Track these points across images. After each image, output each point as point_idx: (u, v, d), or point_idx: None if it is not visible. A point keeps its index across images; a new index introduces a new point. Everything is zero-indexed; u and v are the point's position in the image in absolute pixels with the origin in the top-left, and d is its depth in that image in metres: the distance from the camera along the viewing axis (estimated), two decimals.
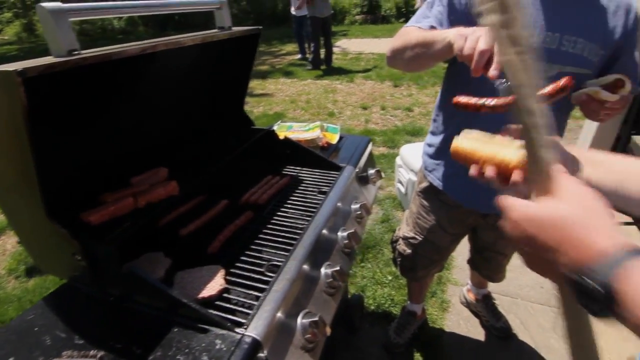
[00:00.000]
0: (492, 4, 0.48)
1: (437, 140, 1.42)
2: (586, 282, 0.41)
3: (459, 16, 1.13)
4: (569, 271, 0.43)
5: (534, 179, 0.51)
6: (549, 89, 0.78)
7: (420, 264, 1.65)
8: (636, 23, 1.11)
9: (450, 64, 1.34)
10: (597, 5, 1.09)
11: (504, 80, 0.69)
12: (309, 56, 8.05)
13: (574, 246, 0.43)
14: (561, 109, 1.21)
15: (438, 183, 1.42)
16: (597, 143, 2.60)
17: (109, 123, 1.04)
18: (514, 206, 0.50)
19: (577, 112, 1.19)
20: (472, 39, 0.85)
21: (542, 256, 0.46)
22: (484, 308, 2.04)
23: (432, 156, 1.44)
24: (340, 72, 7.46)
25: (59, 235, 0.75)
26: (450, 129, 1.33)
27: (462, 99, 0.85)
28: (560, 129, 1.31)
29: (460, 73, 1.21)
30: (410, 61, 1.17)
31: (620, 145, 2.55)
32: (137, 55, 0.78)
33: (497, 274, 1.83)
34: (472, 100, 0.85)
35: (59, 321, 0.78)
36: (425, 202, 1.53)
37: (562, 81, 0.69)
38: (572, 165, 0.65)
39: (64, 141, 0.90)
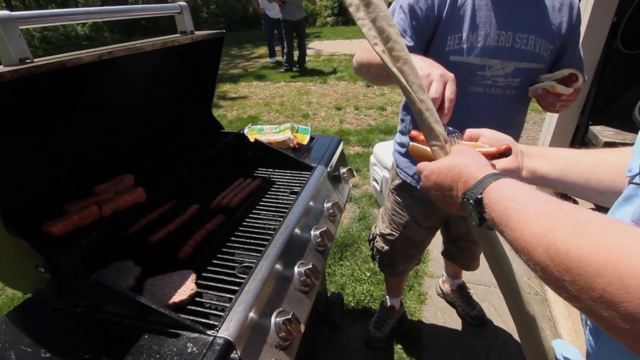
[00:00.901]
0: (377, 40, 0.66)
1: (406, 139, 1.45)
2: (468, 201, 0.57)
3: (421, 22, 1.15)
4: (460, 198, 0.60)
5: (434, 146, 0.70)
6: (491, 150, 0.77)
7: (399, 259, 1.69)
8: (579, 18, 1.20)
9: None
10: (542, 4, 1.16)
11: (452, 129, 0.73)
12: (280, 59, 8.04)
13: (461, 181, 0.60)
14: (519, 101, 1.27)
15: (411, 180, 1.46)
16: (558, 133, 2.72)
17: (70, 131, 1.01)
18: (425, 166, 0.70)
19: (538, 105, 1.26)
20: (425, 84, 0.87)
21: (447, 194, 0.64)
22: (460, 298, 2.11)
23: (403, 154, 1.48)
24: (313, 73, 7.50)
25: (20, 248, 0.73)
26: (418, 127, 1.37)
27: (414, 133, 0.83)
28: (520, 118, 1.37)
29: None
30: (374, 78, 1.17)
31: (579, 135, 2.68)
32: (95, 62, 0.77)
33: (472, 262, 1.90)
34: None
35: (24, 336, 0.76)
36: (399, 199, 1.57)
37: (503, 147, 0.69)
38: (520, 157, 0.75)
39: (22, 150, 0.88)
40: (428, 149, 0.72)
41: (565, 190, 0.73)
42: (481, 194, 0.55)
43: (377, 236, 1.72)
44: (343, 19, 14.52)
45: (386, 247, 1.68)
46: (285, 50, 7.64)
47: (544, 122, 3.22)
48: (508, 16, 1.13)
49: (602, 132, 2.56)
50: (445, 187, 0.64)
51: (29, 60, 0.69)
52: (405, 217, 1.56)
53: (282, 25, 7.31)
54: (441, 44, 1.18)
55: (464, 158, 0.63)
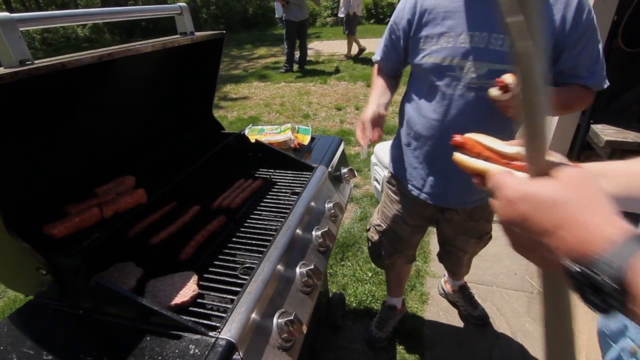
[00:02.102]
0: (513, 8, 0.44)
1: (400, 133, 1.49)
2: (594, 274, 0.35)
3: (394, 40, 1.35)
4: (569, 260, 0.38)
5: (531, 157, 0.46)
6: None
7: (385, 251, 1.70)
8: (580, 16, 1.07)
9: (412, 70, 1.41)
10: None
11: None
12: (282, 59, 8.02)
13: (573, 231, 0.38)
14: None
15: (399, 173, 1.50)
16: (559, 132, 2.72)
17: (71, 132, 1.01)
18: (510, 183, 0.45)
19: None
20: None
21: (534, 239, 0.42)
22: (461, 298, 2.10)
23: (397, 147, 1.51)
24: (313, 74, 7.49)
25: (22, 250, 0.73)
26: (415, 131, 1.41)
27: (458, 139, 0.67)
28: (502, 120, 1.24)
29: (417, 77, 1.37)
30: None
31: (580, 134, 2.67)
32: (95, 63, 0.77)
33: (459, 269, 1.87)
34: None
35: (25, 338, 0.76)
36: (389, 192, 1.60)
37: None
38: None
39: (23, 152, 0.88)
40: (479, 162, 0.58)
41: (633, 209, 0.58)
42: (625, 269, 0.33)
43: (371, 227, 1.74)
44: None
45: (375, 237, 1.70)
46: (286, 51, 7.62)
47: None
48: (482, 16, 1.11)
49: (603, 130, 2.56)
50: (536, 229, 0.41)
51: (29, 62, 0.69)
52: (392, 210, 1.59)
53: (284, 25, 7.28)
54: (415, 47, 1.26)
55: (579, 193, 0.40)
